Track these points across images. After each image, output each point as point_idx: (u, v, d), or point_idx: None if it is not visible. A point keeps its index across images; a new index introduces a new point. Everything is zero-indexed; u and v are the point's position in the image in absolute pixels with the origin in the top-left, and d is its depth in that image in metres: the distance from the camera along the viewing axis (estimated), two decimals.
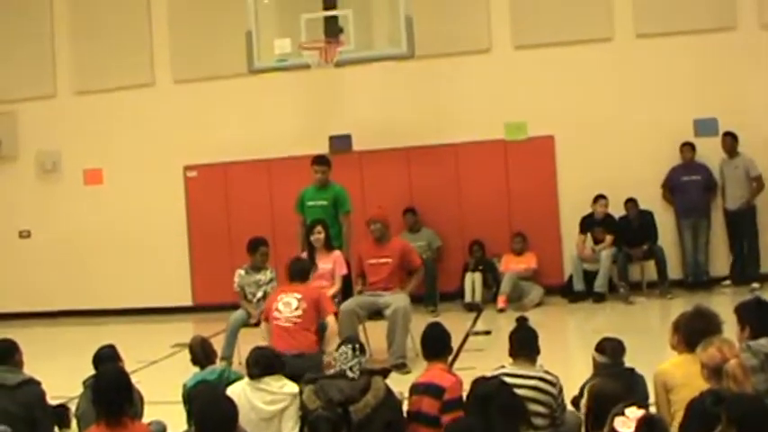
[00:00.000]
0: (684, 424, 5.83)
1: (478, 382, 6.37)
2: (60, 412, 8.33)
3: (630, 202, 15.05)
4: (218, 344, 9.64)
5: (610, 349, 6.94)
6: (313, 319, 9.64)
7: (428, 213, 15.91)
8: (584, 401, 6.05)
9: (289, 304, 9.54)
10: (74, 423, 8.02)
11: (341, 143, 16.24)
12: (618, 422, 4.76)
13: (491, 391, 6.06)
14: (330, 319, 9.88)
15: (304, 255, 11.31)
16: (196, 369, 8.12)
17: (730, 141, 14.89)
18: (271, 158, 16.40)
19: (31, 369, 7.78)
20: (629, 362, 6.98)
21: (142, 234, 16.99)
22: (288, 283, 10.01)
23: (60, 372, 9.48)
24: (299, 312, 9.48)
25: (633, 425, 4.74)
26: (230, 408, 5.42)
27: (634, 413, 4.80)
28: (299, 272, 10.03)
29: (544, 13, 15.67)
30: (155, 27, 17.11)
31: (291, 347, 8.91)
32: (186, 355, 8.35)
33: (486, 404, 5.90)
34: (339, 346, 7.43)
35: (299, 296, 9.59)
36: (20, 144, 17.71)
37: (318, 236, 11.39)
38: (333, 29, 13.60)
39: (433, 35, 15.14)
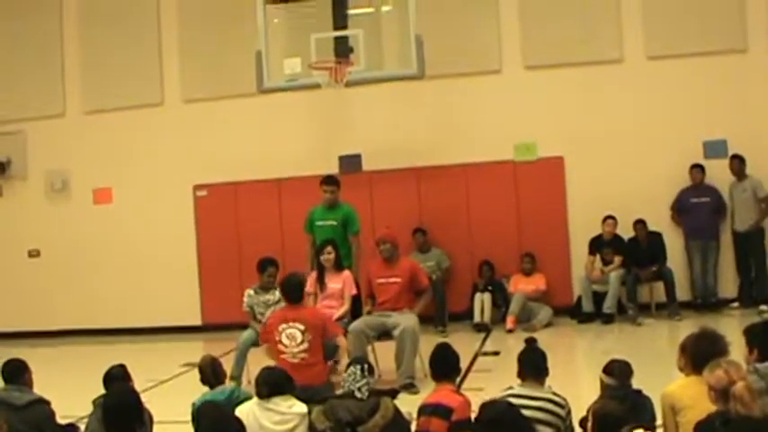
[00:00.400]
0: None
1: (486, 406, 6.37)
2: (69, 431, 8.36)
3: (639, 224, 15.05)
4: (227, 363, 9.66)
5: (618, 371, 6.94)
6: (320, 348, 9.61)
7: (438, 233, 15.93)
8: (589, 424, 6.06)
9: (293, 337, 9.42)
10: None
11: (351, 163, 16.26)
12: None
13: (499, 414, 6.06)
14: (339, 340, 9.90)
15: (311, 272, 11.34)
16: (205, 389, 8.16)
17: (738, 164, 14.90)
18: (281, 178, 16.44)
19: (40, 388, 7.82)
20: (637, 383, 6.98)
21: (152, 253, 17.02)
22: (286, 306, 9.91)
23: (70, 391, 9.49)
24: (305, 346, 9.37)
25: None
26: (238, 427, 5.43)
27: None
28: (294, 291, 9.85)
29: (554, 33, 15.70)
30: (164, 46, 17.17)
31: (299, 381, 8.76)
32: (196, 374, 8.37)
33: (493, 428, 5.90)
34: (348, 366, 7.45)
35: (302, 327, 9.44)
36: (29, 163, 17.76)
37: (329, 256, 11.40)
38: (343, 49, 13.64)
39: (443, 55, 15.18)
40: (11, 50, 17.62)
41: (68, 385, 10.63)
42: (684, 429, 6.30)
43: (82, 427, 8.16)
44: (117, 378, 7.64)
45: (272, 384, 7.26)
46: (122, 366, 7.91)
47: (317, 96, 15.25)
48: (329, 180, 12.85)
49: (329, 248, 11.44)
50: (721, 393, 5.93)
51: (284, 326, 9.48)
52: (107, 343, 16.08)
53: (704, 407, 6.05)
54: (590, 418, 6.03)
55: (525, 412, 6.58)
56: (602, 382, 6.97)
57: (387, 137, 16.10)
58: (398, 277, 11.40)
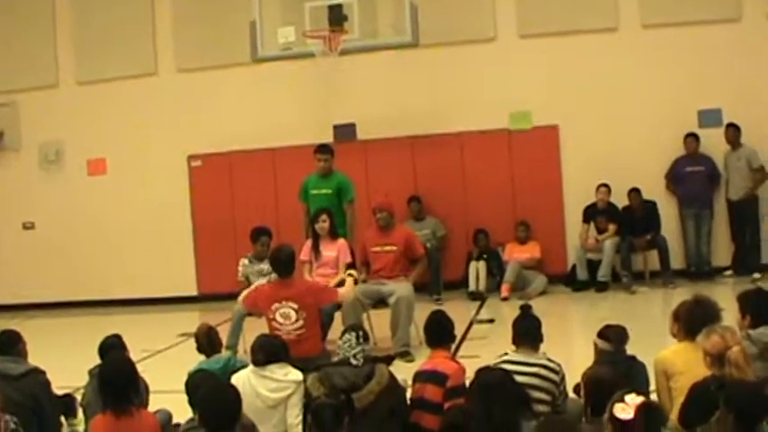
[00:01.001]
0: (686, 407, 5.89)
1: (481, 372, 6.41)
2: (67, 402, 8.39)
3: (634, 192, 15.06)
4: (223, 333, 9.69)
5: (613, 335, 6.96)
6: (315, 320, 9.50)
7: (432, 202, 15.94)
8: (582, 390, 6.11)
9: (287, 316, 9.23)
10: (80, 413, 8.07)
11: (345, 132, 16.24)
12: (617, 408, 4.80)
13: (493, 380, 6.10)
14: (340, 297, 9.98)
15: (306, 240, 11.34)
16: (202, 358, 8.18)
17: (733, 132, 14.89)
18: (275, 147, 16.41)
19: (36, 359, 7.82)
20: (631, 350, 7.01)
21: (147, 224, 17.01)
22: (277, 280, 9.71)
23: (66, 362, 9.52)
24: (301, 323, 9.22)
25: (632, 411, 4.77)
26: (234, 395, 5.45)
27: (633, 400, 4.83)
28: (284, 265, 9.56)
29: (549, 2, 15.66)
30: (157, 15, 17.08)
31: (296, 354, 8.60)
32: (192, 344, 8.40)
33: (488, 394, 5.94)
34: (343, 333, 7.47)
35: (295, 306, 9.24)
36: (22, 135, 17.68)
37: (323, 224, 11.38)
38: (337, 17, 13.59)
39: (437, 24, 15.15)
40: (2, 21, 17.51)
41: (64, 356, 10.67)
42: (677, 394, 6.35)
43: (78, 397, 8.19)
44: (112, 348, 7.67)
45: (268, 352, 7.27)
46: (117, 336, 7.94)
47: (311, 65, 15.19)
48: (322, 149, 12.84)
49: (324, 216, 11.42)
50: (717, 358, 5.98)
51: (277, 305, 9.28)
52: (103, 314, 16.08)
53: (697, 372, 6.09)
54: (582, 383, 6.08)
55: (520, 378, 6.64)
56: (596, 347, 7.00)
57: (381, 106, 16.08)
58: (394, 245, 11.43)
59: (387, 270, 11.34)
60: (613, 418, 4.82)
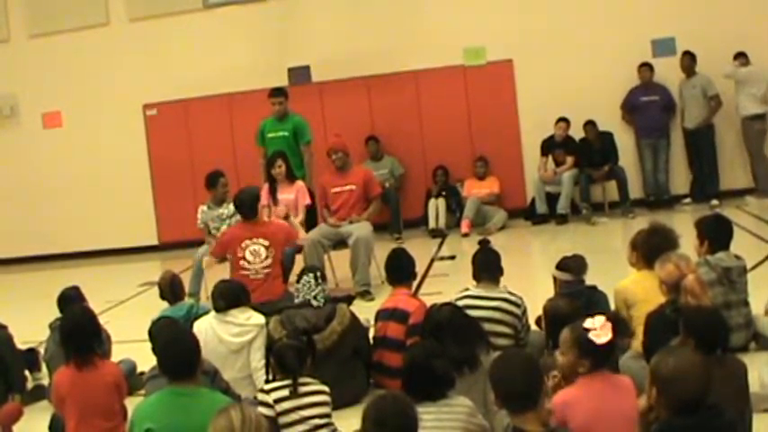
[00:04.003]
0: (645, 336, 5.95)
1: (432, 311, 6.45)
2: (30, 356, 8.38)
3: (589, 125, 15.09)
4: (186, 280, 9.68)
5: (573, 265, 7.00)
6: (279, 261, 9.53)
7: (390, 141, 15.93)
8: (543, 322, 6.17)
9: (257, 253, 9.27)
10: (44, 366, 8.07)
11: (300, 74, 16.16)
12: (592, 335, 4.81)
13: (444, 318, 6.13)
14: (301, 239, 9.94)
15: (265, 185, 11.31)
16: (165, 306, 8.19)
17: (689, 61, 14.90)
18: (230, 93, 16.32)
19: None
20: (592, 281, 7.06)
21: (104, 175, 16.87)
22: (244, 221, 9.72)
23: (28, 317, 9.50)
24: (270, 261, 9.26)
25: (609, 332, 4.79)
26: (192, 342, 5.46)
27: (599, 322, 4.84)
28: (251, 206, 9.64)
29: None
30: None
31: (260, 298, 8.55)
32: (154, 293, 8.41)
33: (439, 332, 5.97)
34: (300, 276, 7.49)
35: (266, 243, 9.30)
36: None
37: (279, 169, 11.32)
38: None
39: None
40: None
41: (26, 311, 10.63)
42: (638, 323, 6.40)
43: (41, 351, 8.19)
44: (71, 300, 7.66)
45: (229, 297, 7.29)
46: (75, 288, 7.93)
47: (262, 9, 15.16)
48: (277, 92, 12.74)
49: (279, 162, 11.35)
50: (673, 287, 6.04)
51: (248, 242, 9.31)
52: (64, 268, 16.00)
53: (656, 300, 6.16)
54: (542, 315, 6.13)
55: (481, 313, 6.69)
56: (555, 279, 7.05)
57: (335, 47, 15.97)
58: (353, 184, 11.41)
59: (346, 209, 11.34)
60: (587, 345, 4.83)
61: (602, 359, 4.86)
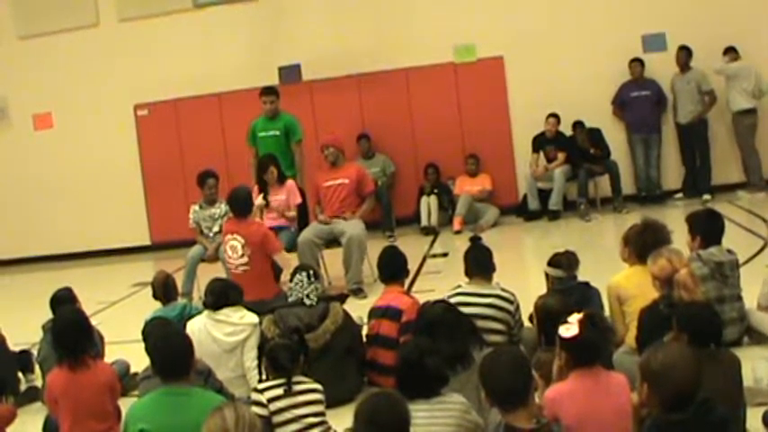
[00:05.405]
0: (639, 332, 5.97)
1: (424, 308, 6.45)
2: (23, 358, 8.37)
3: (578, 126, 15.09)
4: (178, 280, 9.67)
5: (564, 261, 7.01)
6: (262, 262, 9.54)
7: (381, 139, 15.91)
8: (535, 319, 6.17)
9: (234, 249, 9.45)
10: (37, 368, 8.06)
11: (290, 73, 16.15)
12: (562, 329, 4.83)
13: (435, 316, 6.14)
14: (279, 258, 9.78)
15: (255, 188, 11.28)
16: (158, 306, 8.18)
17: (684, 55, 14.87)
18: (221, 92, 16.29)
19: None
20: (585, 277, 7.07)
21: (96, 176, 16.82)
22: (233, 217, 9.82)
23: (21, 318, 9.50)
24: (246, 260, 9.36)
25: (576, 327, 4.80)
26: (184, 343, 5.46)
27: (575, 317, 4.87)
28: (240, 205, 9.70)
29: None
30: None
31: (250, 297, 8.23)
32: (147, 293, 8.39)
33: (432, 330, 5.97)
34: (293, 274, 7.49)
35: (242, 240, 9.41)
36: None
37: (271, 176, 11.26)
38: None
39: None
40: None
41: (18, 313, 10.63)
42: (631, 318, 6.42)
43: (35, 352, 8.18)
44: (63, 301, 7.65)
45: (218, 294, 7.27)
46: (68, 289, 7.92)
47: (252, 8, 15.12)
48: (267, 91, 12.71)
49: (271, 168, 11.30)
50: (665, 282, 6.05)
51: (229, 236, 9.55)
52: (56, 269, 15.96)
53: (649, 295, 6.17)
54: (534, 312, 6.14)
55: (473, 309, 6.69)
56: (547, 276, 7.06)
57: (325, 45, 15.96)
58: (346, 179, 11.38)
59: (337, 203, 11.32)
60: (560, 340, 4.86)
61: (578, 354, 4.87)
